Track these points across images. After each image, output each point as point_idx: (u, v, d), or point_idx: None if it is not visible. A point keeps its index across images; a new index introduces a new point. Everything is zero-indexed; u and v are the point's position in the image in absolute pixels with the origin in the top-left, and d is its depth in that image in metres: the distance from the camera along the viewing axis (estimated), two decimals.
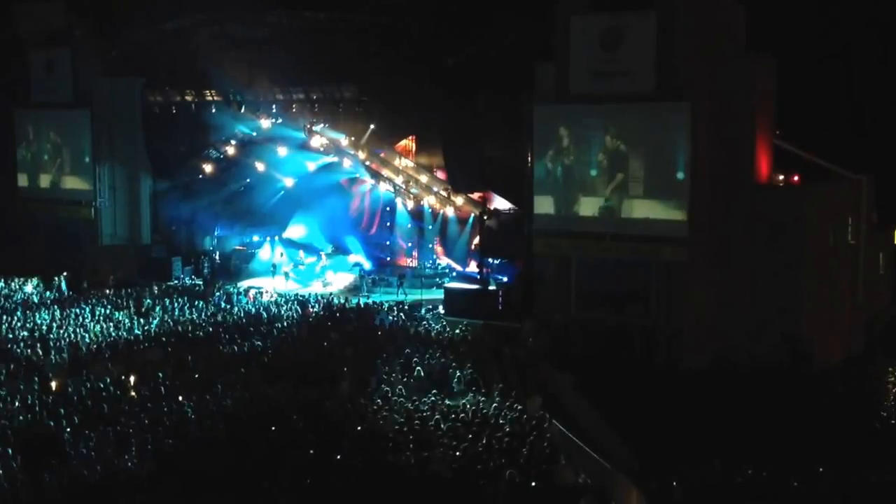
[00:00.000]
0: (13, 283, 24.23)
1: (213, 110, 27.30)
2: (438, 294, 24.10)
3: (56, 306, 21.61)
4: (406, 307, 22.80)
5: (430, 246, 28.38)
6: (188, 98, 27.15)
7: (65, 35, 26.50)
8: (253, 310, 21.93)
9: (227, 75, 26.01)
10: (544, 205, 20.30)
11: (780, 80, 18.58)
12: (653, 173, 18.86)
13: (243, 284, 26.15)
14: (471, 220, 25.87)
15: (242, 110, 27.27)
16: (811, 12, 18.79)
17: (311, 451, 11.80)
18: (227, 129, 28.30)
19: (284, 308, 22.15)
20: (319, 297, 23.70)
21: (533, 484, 10.59)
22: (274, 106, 27.47)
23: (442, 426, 12.92)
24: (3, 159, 28.57)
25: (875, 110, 19.32)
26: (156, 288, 24.54)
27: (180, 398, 14.41)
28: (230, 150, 28.83)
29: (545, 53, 20.05)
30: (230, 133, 28.52)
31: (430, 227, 28.14)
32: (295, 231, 29.79)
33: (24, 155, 28.54)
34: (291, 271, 26.94)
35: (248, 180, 29.74)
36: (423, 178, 27.40)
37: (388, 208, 28.76)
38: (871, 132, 19.31)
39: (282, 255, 29.31)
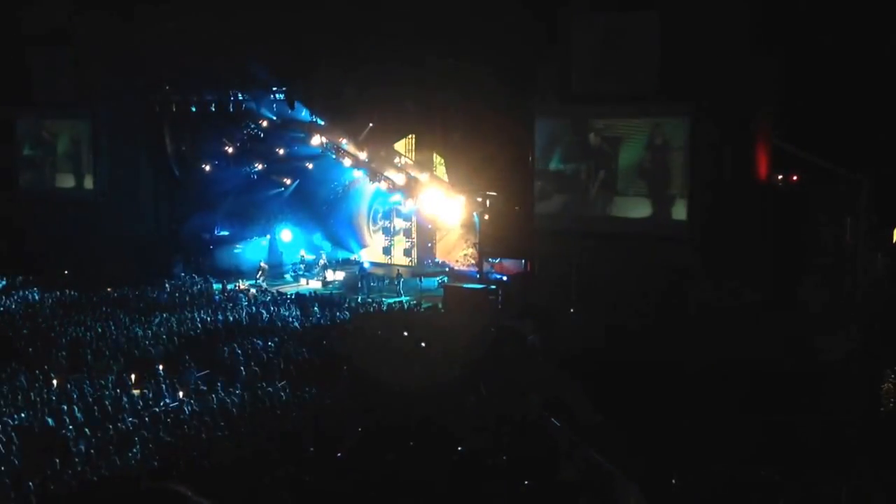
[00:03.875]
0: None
1: (214, 110, 27.34)
2: (437, 293, 24.17)
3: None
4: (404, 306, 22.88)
5: (429, 245, 28.47)
6: (189, 98, 27.16)
7: (67, 34, 26.49)
8: (253, 309, 21.95)
9: (228, 75, 26.03)
10: (545, 204, 20.37)
11: (781, 80, 18.63)
12: (654, 173, 18.94)
13: (242, 283, 26.20)
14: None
15: (243, 109, 27.31)
16: (814, 12, 18.82)
17: (312, 449, 11.84)
18: (227, 128, 28.32)
19: (284, 307, 22.18)
20: (319, 296, 23.78)
21: (527, 483, 10.63)
22: (274, 105, 27.50)
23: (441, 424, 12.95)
24: (3, 158, 28.57)
25: (875, 110, 19.35)
26: (156, 287, 24.57)
27: (181, 396, 14.48)
28: (230, 150, 28.87)
29: (548, 52, 20.10)
30: (230, 132, 28.55)
31: (430, 225, 28.22)
32: (286, 235, 29.94)
33: (24, 154, 28.55)
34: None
35: (248, 179, 29.79)
36: (423, 177, 27.41)
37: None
38: (871, 132, 19.35)
39: (282, 254, 29.43)
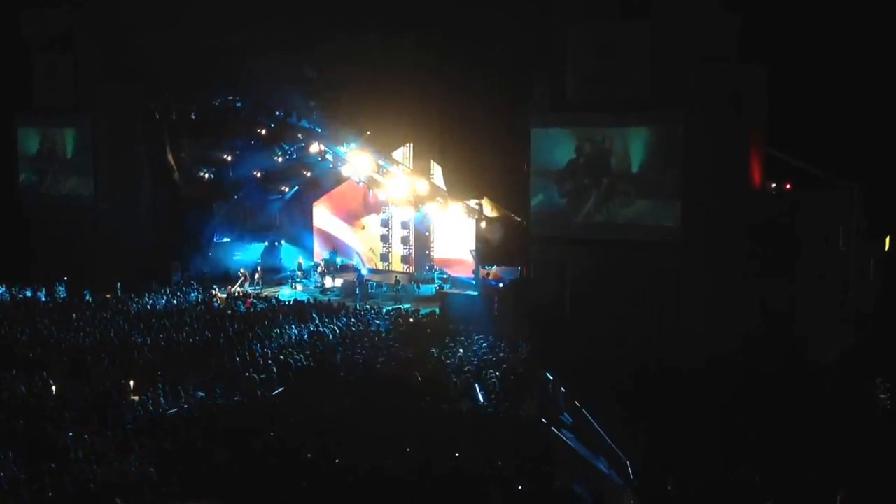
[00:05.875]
0: None
1: (213, 117, 27.52)
2: (435, 299, 24.32)
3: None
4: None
5: (427, 252, 28.63)
6: (188, 104, 27.33)
7: (67, 40, 26.64)
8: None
9: (227, 82, 26.20)
10: (540, 211, 20.54)
11: (773, 89, 18.87)
12: (647, 180, 19.14)
13: (239, 290, 26.35)
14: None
15: (242, 116, 27.50)
16: (803, 21, 19.08)
17: (309, 455, 11.95)
18: (226, 135, 28.48)
19: (282, 313, 22.28)
20: (317, 302, 23.89)
21: (520, 487, 10.74)
22: (274, 112, 27.66)
23: (439, 430, 13.08)
24: (4, 163, 28.69)
25: (867, 119, 19.59)
26: (154, 292, 24.70)
27: (181, 401, 14.59)
28: (229, 157, 29.04)
29: (542, 61, 20.32)
30: (229, 139, 28.72)
31: (428, 232, 28.39)
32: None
33: (25, 158, 28.65)
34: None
35: (247, 186, 29.96)
36: (421, 185, 27.58)
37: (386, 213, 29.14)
38: (863, 141, 19.58)
39: (280, 260, 29.62)
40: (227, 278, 27.56)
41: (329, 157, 28.36)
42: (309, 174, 29.71)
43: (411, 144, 27.82)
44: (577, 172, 19.79)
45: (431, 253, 28.60)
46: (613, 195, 19.46)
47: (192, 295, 25.03)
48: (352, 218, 30.44)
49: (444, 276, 27.34)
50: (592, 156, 19.55)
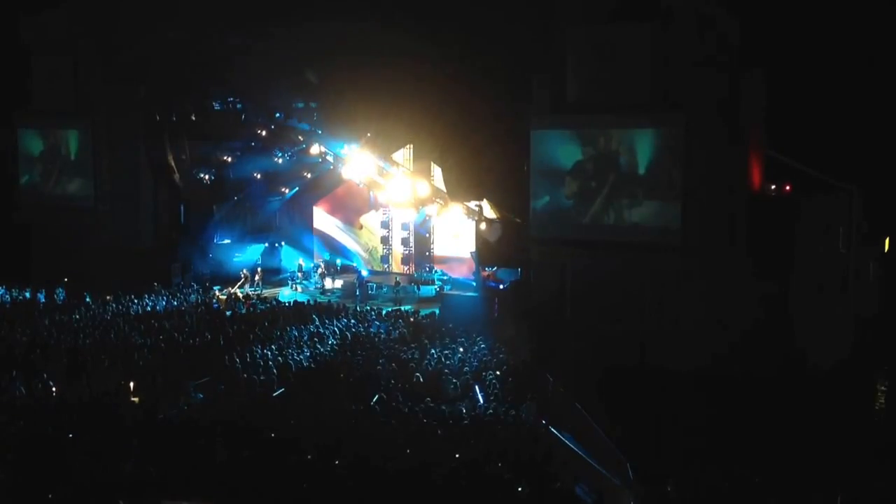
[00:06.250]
0: None
1: (213, 119, 27.55)
2: (436, 301, 24.35)
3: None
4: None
5: (427, 253, 28.68)
6: (188, 106, 27.37)
7: (67, 43, 26.70)
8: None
9: (226, 84, 26.26)
10: (540, 213, 20.57)
11: (773, 92, 18.92)
12: (647, 183, 19.18)
13: (239, 291, 26.37)
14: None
15: (243, 118, 27.56)
16: (802, 24, 19.14)
17: (309, 456, 11.97)
18: (226, 137, 28.54)
19: (282, 314, 22.30)
20: (317, 303, 23.91)
21: (520, 489, 10.75)
22: (274, 114, 27.72)
23: (439, 432, 13.09)
24: (4, 165, 28.72)
25: (866, 121, 19.64)
26: (155, 293, 24.72)
27: (182, 402, 14.61)
28: (229, 158, 29.10)
29: (542, 63, 20.37)
30: (229, 141, 28.78)
31: (428, 234, 28.45)
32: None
33: (25, 161, 28.69)
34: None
35: (247, 187, 30.03)
36: (421, 186, 27.61)
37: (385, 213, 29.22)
38: (862, 143, 19.64)
39: (280, 261, 29.65)
40: (228, 279, 27.57)
41: (329, 158, 28.41)
42: (309, 176, 29.76)
43: (411, 146, 27.87)
44: (585, 174, 19.80)
45: (431, 254, 28.64)
46: (613, 197, 19.49)
47: (193, 296, 25.05)
48: (352, 216, 30.50)
49: (445, 278, 27.38)
50: (600, 157, 19.57)
